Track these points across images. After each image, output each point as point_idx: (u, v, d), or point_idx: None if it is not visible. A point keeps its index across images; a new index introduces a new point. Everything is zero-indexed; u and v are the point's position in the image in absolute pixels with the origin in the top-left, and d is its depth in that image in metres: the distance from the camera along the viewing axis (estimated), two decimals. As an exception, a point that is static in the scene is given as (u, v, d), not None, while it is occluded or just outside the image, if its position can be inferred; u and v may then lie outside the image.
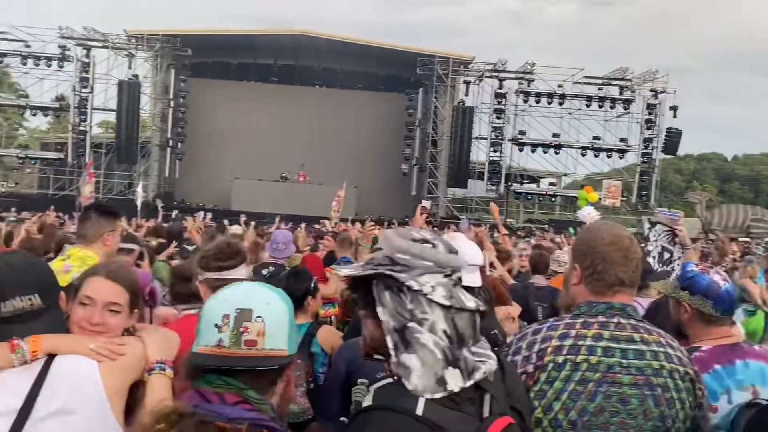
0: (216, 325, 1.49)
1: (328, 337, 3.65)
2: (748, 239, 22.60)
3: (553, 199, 32.89)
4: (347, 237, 6.68)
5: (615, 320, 1.93)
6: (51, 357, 1.87)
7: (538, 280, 5.76)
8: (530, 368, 1.89)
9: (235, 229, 9.05)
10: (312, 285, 3.74)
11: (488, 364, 1.44)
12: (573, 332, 1.92)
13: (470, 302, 1.46)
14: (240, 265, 2.83)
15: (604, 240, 1.99)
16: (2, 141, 34.32)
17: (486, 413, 1.41)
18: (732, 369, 2.27)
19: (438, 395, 1.37)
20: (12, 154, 32.23)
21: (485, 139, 31.32)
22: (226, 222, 13.50)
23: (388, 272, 1.43)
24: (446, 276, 1.46)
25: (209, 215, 24.12)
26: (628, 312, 1.95)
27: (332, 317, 4.97)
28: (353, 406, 1.60)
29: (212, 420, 1.33)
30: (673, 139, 30.51)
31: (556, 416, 1.85)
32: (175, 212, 26.56)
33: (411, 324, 1.40)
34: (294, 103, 32.86)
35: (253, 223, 12.71)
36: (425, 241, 1.48)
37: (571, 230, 21.16)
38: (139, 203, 21.09)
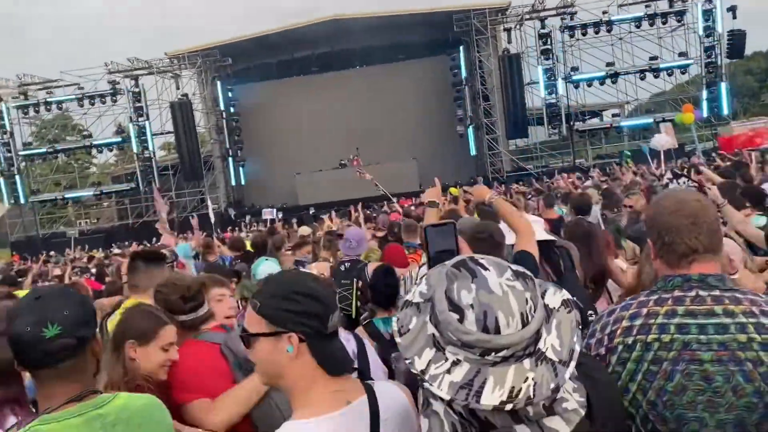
0: None
1: None
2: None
3: (619, 131, 31.72)
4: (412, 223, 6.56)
5: (692, 293, 1.80)
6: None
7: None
8: (602, 351, 1.84)
9: (303, 230, 9.11)
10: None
11: None
12: (644, 311, 1.82)
13: (493, 399, 1.15)
14: None
15: (668, 208, 1.87)
16: (78, 182, 36.09)
17: None
18: None
19: None
20: (88, 194, 33.84)
21: (537, 83, 30.42)
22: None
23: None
24: (480, 355, 1.18)
25: (280, 214, 24.71)
26: (709, 282, 1.81)
27: None
28: None
29: None
30: (736, 41, 28.64)
31: (634, 397, 1.79)
32: (247, 217, 27.31)
33: (426, 385, 1.21)
34: (339, 88, 32.94)
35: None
36: (455, 308, 1.19)
37: (627, 154, 19.98)
38: (212, 216, 21.57)
